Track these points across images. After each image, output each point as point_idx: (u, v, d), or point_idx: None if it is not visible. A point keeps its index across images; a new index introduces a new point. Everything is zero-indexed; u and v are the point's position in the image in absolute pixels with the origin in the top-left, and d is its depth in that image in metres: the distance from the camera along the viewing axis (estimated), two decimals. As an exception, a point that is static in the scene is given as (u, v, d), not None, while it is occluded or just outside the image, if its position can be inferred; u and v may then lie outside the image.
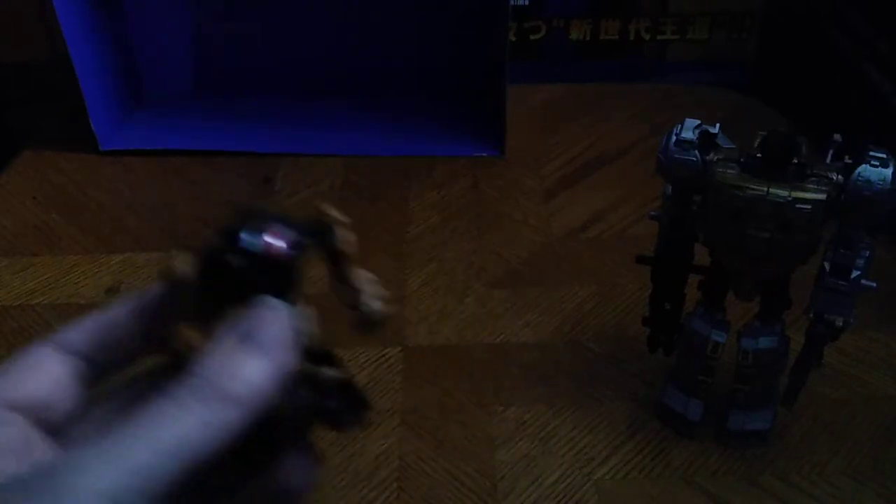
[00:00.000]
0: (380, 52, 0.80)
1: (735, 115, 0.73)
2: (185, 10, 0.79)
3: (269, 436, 0.26)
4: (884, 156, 0.38)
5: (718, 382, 0.46)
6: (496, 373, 0.52)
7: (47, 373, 0.27)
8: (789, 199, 0.38)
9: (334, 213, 0.28)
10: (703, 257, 0.44)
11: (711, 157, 0.40)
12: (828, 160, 0.40)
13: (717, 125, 0.41)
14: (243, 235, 0.26)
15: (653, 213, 0.45)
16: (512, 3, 0.78)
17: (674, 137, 0.41)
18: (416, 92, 0.80)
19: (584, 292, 0.58)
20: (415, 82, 0.81)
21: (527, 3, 0.79)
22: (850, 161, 0.39)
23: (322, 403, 0.27)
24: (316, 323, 0.28)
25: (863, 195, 0.38)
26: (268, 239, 0.26)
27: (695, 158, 0.40)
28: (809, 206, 0.38)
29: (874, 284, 0.40)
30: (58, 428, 0.27)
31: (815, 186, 0.38)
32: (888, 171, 0.37)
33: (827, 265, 0.40)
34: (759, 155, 0.38)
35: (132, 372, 0.29)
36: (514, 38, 0.80)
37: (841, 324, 0.41)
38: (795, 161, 0.38)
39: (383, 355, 0.53)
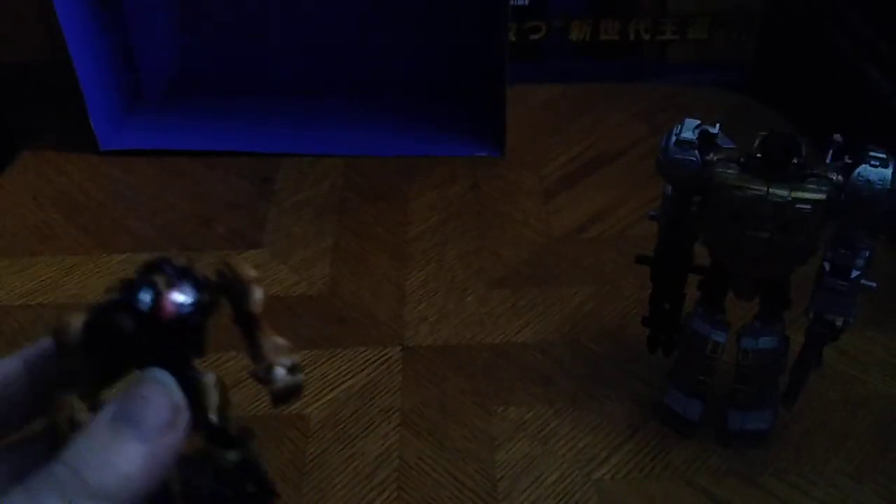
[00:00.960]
0: (380, 51, 0.80)
1: (735, 115, 0.73)
2: (185, 11, 0.79)
3: None
4: (884, 156, 0.38)
5: (718, 382, 0.46)
6: (496, 373, 0.52)
7: None
8: (789, 199, 0.38)
9: (246, 270, 0.25)
10: (704, 257, 0.44)
11: (711, 157, 0.40)
12: (828, 160, 0.40)
13: (717, 125, 0.41)
14: (140, 293, 0.23)
15: (652, 213, 0.45)
16: (512, 3, 0.78)
17: (674, 137, 0.41)
18: (416, 92, 0.80)
19: (584, 292, 0.58)
20: (415, 82, 0.81)
21: (527, 3, 0.79)
22: (850, 161, 0.39)
23: (222, 491, 0.25)
24: (221, 393, 0.25)
25: (863, 195, 0.38)
26: (164, 298, 0.23)
27: (694, 158, 0.40)
28: (809, 207, 0.38)
29: (874, 284, 0.40)
30: None
31: (815, 186, 0.38)
32: (888, 171, 0.37)
33: (827, 265, 0.40)
34: (759, 155, 0.38)
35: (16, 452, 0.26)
36: (514, 38, 0.80)
37: (841, 324, 0.41)
38: (795, 161, 0.38)
39: (383, 355, 0.53)
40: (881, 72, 0.67)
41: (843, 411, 0.49)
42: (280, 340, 0.25)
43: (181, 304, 0.23)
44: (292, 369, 0.25)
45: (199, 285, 0.24)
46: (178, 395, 0.23)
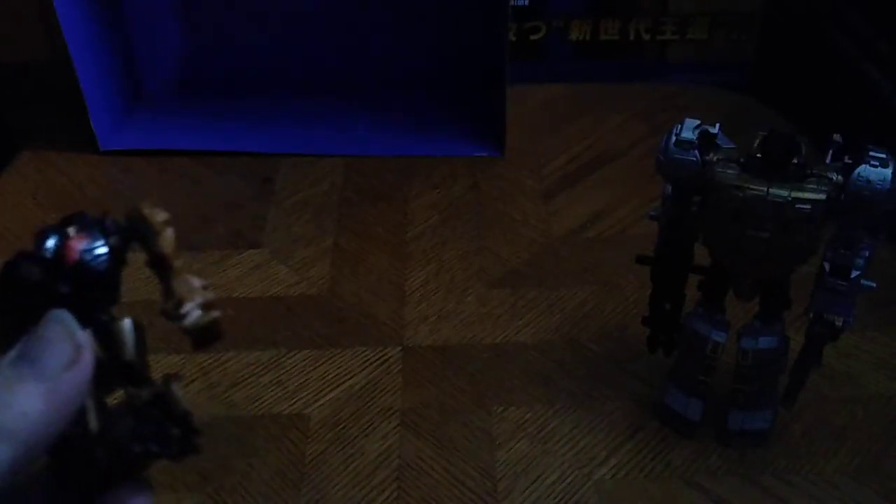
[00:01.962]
0: (380, 51, 0.80)
1: (735, 115, 0.73)
2: (185, 11, 0.79)
3: (86, 463, 0.24)
4: (884, 156, 0.38)
5: (718, 382, 0.46)
6: (496, 373, 0.52)
7: None
8: (789, 199, 0.38)
9: (153, 213, 0.25)
10: (704, 257, 0.44)
11: (711, 157, 0.40)
12: (828, 160, 0.40)
13: (717, 125, 0.41)
14: (47, 240, 0.23)
15: (652, 212, 0.45)
16: (512, 3, 0.78)
17: (674, 137, 0.41)
18: (416, 92, 0.80)
19: (584, 292, 0.58)
20: (415, 82, 0.81)
21: (527, 3, 0.79)
22: (850, 161, 0.39)
23: (140, 430, 0.24)
24: (138, 337, 0.25)
25: (863, 195, 0.38)
26: (68, 243, 0.23)
27: (694, 158, 0.40)
28: (809, 206, 0.38)
29: (874, 284, 0.40)
30: None
31: (815, 186, 0.38)
32: (888, 171, 0.37)
33: (827, 265, 0.40)
34: (758, 155, 0.38)
35: None
36: (514, 38, 0.80)
37: (840, 324, 0.41)
38: (795, 161, 0.38)
39: (383, 355, 0.53)
40: (881, 72, 0.67)
41: (844, 411, 0.49)
42: (195, 280, 0.25)
43: (84, 250, 0.23)
44: (206, 306, 0.24)
45: (106, 231, 0.24)
46: (79, 333, 0.23)
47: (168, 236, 0.25)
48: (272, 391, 0.51)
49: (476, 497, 0.45)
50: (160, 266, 0.25)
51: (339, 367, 0.53)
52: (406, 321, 0.56)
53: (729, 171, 0.39)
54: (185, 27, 0.80)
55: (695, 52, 0.81)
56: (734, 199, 0.39)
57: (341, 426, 0.49)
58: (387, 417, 0.49)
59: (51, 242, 0.23)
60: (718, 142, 0.41)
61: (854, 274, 0.40)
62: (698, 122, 0.41)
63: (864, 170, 0.38)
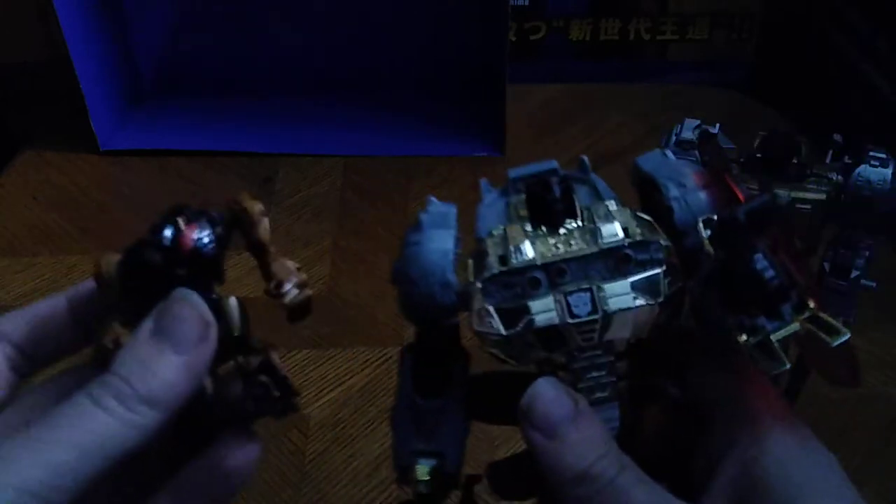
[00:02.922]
0: (380, 52, 0.80)
1: (735, 115, 0.73)
2: (185, 10, 0.79)
3: (201, 421, 0.26)
4: (884, 156, 0.38)
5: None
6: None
7: None
8: (789, 199, 0.38)
9: (251, 203, 0.28)
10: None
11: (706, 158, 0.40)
12: (828, 160, 0.40)
13: (717, 125, 0.41)
14: (162, 231, 0.26)
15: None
16: (512, 3, 0.78)
17: (674, 137, 0.41)
18: (416, 92, 0.80)
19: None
20: (415, 82, 0.81)
21: (527, 3, 0.79)
22: (849, 161, 0.39)
23: (249, 393, 0.27)
24: (242, 313, 0.27)
25: (863, 195, 0.38)
26: (184, 233, 0.26)
27: (694, 159, 0.40)
28: (809, 207, 0.38)
29: (874, 284, 0.40)
30: None
31: (815, 186, 0.38)
32: (888, 171, 0.37)
33: (827, 265, 0.40)
34: (758, 155, 0.38)
35: (61, 367, 0.29)
36: (514, 38, 0.80)
37: (841, 324, 0.41)
38: (795, 161, 0.38)
39: (383, 355, 0.53)
40: (881, 72, 0.67)
41: (843, 411, 0.49)
42: (289, 263, 0.28)
43: (198, 238, 0.26)
44: (301, 286, 0.27)
45: (213, 221, 0.27)
46: (206, 311, 0.25)
47: (265, 225, 0.28)
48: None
49: (476, 497, 0.45)
50: (258, 251, 0.28)
51: (339, 367, 0.53)
52: (406, 321, 0.56)
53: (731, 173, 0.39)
54: (185, 27, 0.80)
55: (695, 52, 0.81)
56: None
57: (341, 426, 0.49)
58: (387, 417, 0.49)
59: (168, 233, 0.26)
60: (718, 142, 0.41)
61: (854, 274, 0.40)
62: (698, 122, 0.41)
63: (864, 170, 0.38)
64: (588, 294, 0.25)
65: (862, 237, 0.40)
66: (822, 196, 0.38)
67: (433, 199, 0.30)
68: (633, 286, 0.26)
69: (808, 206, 0.38)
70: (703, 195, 0.27)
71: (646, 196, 0.29)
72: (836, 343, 0.25)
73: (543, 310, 0.26)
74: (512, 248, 0.26)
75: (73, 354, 0.29)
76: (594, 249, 0.26)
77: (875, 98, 0.67)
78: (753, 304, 0.25)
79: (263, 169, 0.71)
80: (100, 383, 0.24)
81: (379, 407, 0.50)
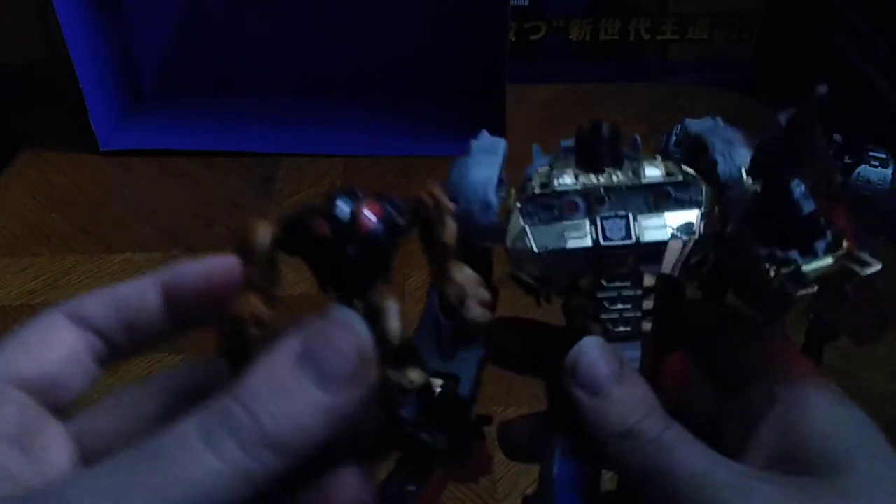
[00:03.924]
0: (380, 51, 0.80)
1: (735, 115, 0.72)
2: (185, 10, 0.79)
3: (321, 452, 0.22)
4: (884, 156, 0.38)
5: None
6: (496, 373, 0.52)
7: (59, 345, 0.23)
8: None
9: (445, 199, 0.24)
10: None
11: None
12: (827, 160, 0.40)
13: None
14: (339, 201, 0.23)
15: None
16: (512, 3, 0.78)
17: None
18: (416, 92, 0.80)
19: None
20: (415, 82, 0.81)
21: (527, 3, 0.79)
22: (849, 161, 0.39)
23: (395, 415, 0.23)
24: (401, 318, 0.24)
25: (862, 195, 0.38)
26: (364, 209, 0.23)
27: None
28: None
29: (874, 284, 0.40)
30: (65, 409, 0.23)
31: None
32: (888, 171, 0.37)
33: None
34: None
35: (170, 372, 0.25)
36: (514, 38, 0.80)
37: (841, 324, 0.41)
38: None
39: (383, 355, 0.53)
40: (880, 71, 0.67)
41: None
42: (470, 271, 0.25)
43: (378, 220, 0.23)
44: (483, 304, 0.24)
45: (397, 209, 0.24)
46: (368, 343, 0.21)
47: (451, 226, 0.24)
48: (272, 391, 0.51)
49: (476, 497, 0.45)
50: (440, 255, 0.24)
51: (339, 367, 0.53)
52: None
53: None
54: (185, 27, 0.80)
55: (695, 52, 0.81)
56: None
57: (341, 426, 0.49)
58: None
59: (346, 207, 0.23)
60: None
61: (854, 274, 0.40)
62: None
63: (863, 170, 0.37)
64: (624, 221, 0.26)
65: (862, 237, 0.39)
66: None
67: (485, 131, 0.31)
68: (670, 221, 0.26)
69: (809, 206, 0.38)
70: (746, 151, 0.28)
71: (691, 157, 0.30)
72: (867, 272, 0.25)
73: (577, 232, 0.26)
74: (555, 173, 0.27)
75: (162, 345, 0.25)
76: (636, 183, 0.27)
77: (875, 98, 0.67)
78: (787, 237, 0.25)
79: (263, 169, 0.71)
80: (218, 412, 0.19)
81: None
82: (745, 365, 0.27)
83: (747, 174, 0.27)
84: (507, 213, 0.27)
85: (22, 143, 0.75)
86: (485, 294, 0.25)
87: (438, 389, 0.26)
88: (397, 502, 0.25)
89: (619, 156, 0.27)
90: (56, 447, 0.22)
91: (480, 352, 0.29)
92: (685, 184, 0.26)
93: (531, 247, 0.26)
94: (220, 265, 0.25)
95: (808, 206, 0.25)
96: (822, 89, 0.28)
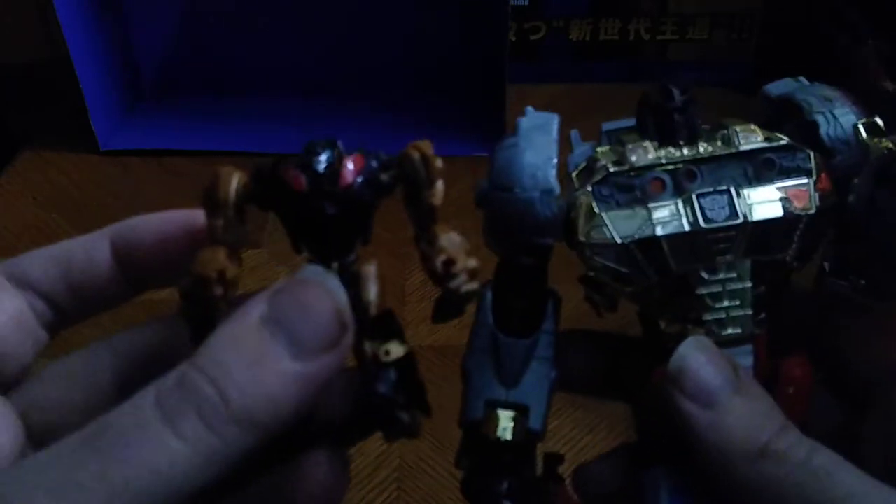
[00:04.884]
0: (380, 51, 0.80)
1: (735, 115, 0.73)
2: (185, 10, 0.79)
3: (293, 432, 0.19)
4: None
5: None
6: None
7: (0, 311, 0.21)
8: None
9: (435, 158, 0.21)
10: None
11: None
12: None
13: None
14: (318, 151, 0.20)
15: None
16: (512, 3, 0.78)
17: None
18: (416, 92, 0.80)
19: (583, 292, 0.57)
20: (415, 82, 0.81)
21: (527, 3, 0.79)
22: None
23: (372, 391, 0.21)
24: (379, 284, 0.21)
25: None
26: (345, 162, 0.21)
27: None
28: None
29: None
30: (8, 381, 0.21)
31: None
32: (888, 172, 0.37)
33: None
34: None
35: (123, 334, 0.23)
36: (514, 38, 0.80)
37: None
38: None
39: (383, 355, 0.53)
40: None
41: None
42: (457, 236, 0.22)
43: (361, 175, 0.21)
44: (471, 273, 0.22)
45: (382, 164, 0.21)
46: (346, 307, 0.19)
47: (440, 187, 0.22)
48: (272, 391, 0.51)
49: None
50: (425, 216, 0.22)
51: (339, 367, 0.53)
52: (406, 321, 0.56)
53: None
54: (186, 27, 0.80)
55: (695, 52, 0.81)
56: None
57: (341, 426, 0.49)
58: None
59: (325, 157, 0.20)
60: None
61: (854, 274, 0.39)
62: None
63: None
64: (726, 196, 0.21)
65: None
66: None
67: (531, 108, 0.26)
68: (780, 194, 0.21)
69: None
70: (851, 110, 0.23)
71: (775, 125, 0.25)
72: None
73: (668, 216, 0.21)
74: (629, 149, 0.22)
75: (117, 308, 0.23)
76: (730, 151, 0.22)
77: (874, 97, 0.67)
78: None
79: (263, 169, 0.71)
80: (178, 387, 0.17)
81: (379, 407, 0.50)
82: (883, 368, 0.22)
83: (866, 132, 0.22)
84: (568, 201, 0.22)
85: (22, 143, 0.75)
86: (473, 263, 0.22)
87: (510, 424, 0.23)
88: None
89: (695, 127, 0.23)
90: None
91: (550, 374, 0.24)
92: (790, 147, 0.22)
93: (612, 237, 0.22)
94: (178, 219, 0.23)
95: None
96: None
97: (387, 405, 0.21)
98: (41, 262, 0.22)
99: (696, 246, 0.21)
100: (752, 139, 0.22)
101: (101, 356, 0.22)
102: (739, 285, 0.21)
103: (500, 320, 0.25)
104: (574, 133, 0.26)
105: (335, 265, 0.21)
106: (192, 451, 0.16)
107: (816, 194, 0.22)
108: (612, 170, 0.22)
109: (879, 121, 0.22)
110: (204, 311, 0.19)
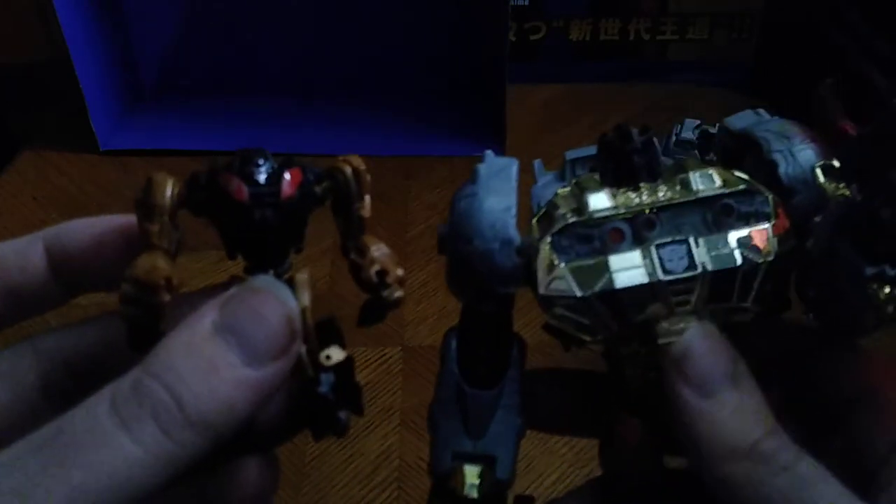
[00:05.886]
0: (380, 51, 0.80)
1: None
2: (185, 10, 0.79)
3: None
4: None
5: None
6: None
7: None
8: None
9: (364, 172, 0.23)
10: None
11: (711, 157, 0.40)
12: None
13: (717, 125, 0.41)
14: (257, 159, 0.21)
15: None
16: (512, 3, 0.78)
17: (674, 137, 0.41)
18: (416, 92, 0.80)
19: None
20: (415, 82, 0.81)
21: (527, 3, 0.79)
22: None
23: (313, 392, 0.21)
24: (311, 291, 0.22)
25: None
26: (284, 174, 0.21)
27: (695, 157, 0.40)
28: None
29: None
30: None
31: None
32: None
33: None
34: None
35: (46, 334, 0.23)
36: (514, 38, 0.80)
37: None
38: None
39: (383, 355, 0.53)
40: (881, 72, 0.67)
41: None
42: (385, 247, 0.23)
43: (301, 187, 0.22)
44: (400, 282, 0.23)
45: (316, 177, 0.23)
46: (296, 315, 0.20)
47: (369, 201, 0.23)
48: (272, 391, 0.51)
49: None
50: (355, 227, 0.23)
51: (339, 367, 0.53)
52: (406, 321, 0.56)
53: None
54: (186, 27, 0.80)
55: (695, 52, 0.81)
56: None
57: (341, 426, 0.49)
58: (387, 417, 0.49)
59: (265, 168, 0.21)
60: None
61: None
62: (698, 122, 0.41)
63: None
64: (684, 246, 0.21)
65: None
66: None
67: (490, 152, 0.27)
68: (738, 242, 0.21)
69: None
70: (810, 147, 0.23)
71: (733, 159, 0.26)
72: None
73: (628, 265, 0.21)
74: (588, 197, 0.22)
75: (51, 312, 0.23)
76: (689, 198, 0.22)
77: (875, 98, 0.67)
78: None
79: (263, 169, 0.71)
80: (134, 392, 0.17)
81: (379, 407, 0.50)
82: (850, 393, 0.23)
83: (824, 175, 0.22)
84: (530, 243, 0.23)
85: (22, 143, 0.75)
86: (401, 272, 0.23)
87: (477, 482, 0.24)
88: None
89: (655, 166, 0.23)
90: None
91: (517, 421, 0.25)
92: (749, 192, 0.22)
93: (573, 290, 0.22)
94: (113, 223, 0.23)
95: None
96: None
97: (327, 406, 0.22)
98: None
99: (656, 296, 0.21)
100: (710, 184, 0.22)
101: (24, 357, 0.22)
102: None
103: (466, 369, 0.25)
104: (537, 163, 0.26)
105: (270, 273, 0.22)
106: (149, 456, 0.17)
107: (775, 239, 0.22)
108: (570, 220, 0.22)
109: (836, 163, 0.22)
110: (148, 316, 0.20)
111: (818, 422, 0.23)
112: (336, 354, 0.22)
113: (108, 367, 0.19)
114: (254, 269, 0.22)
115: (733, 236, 0.21)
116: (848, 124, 0.27)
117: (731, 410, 0.20)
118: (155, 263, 0.20)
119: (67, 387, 0.22)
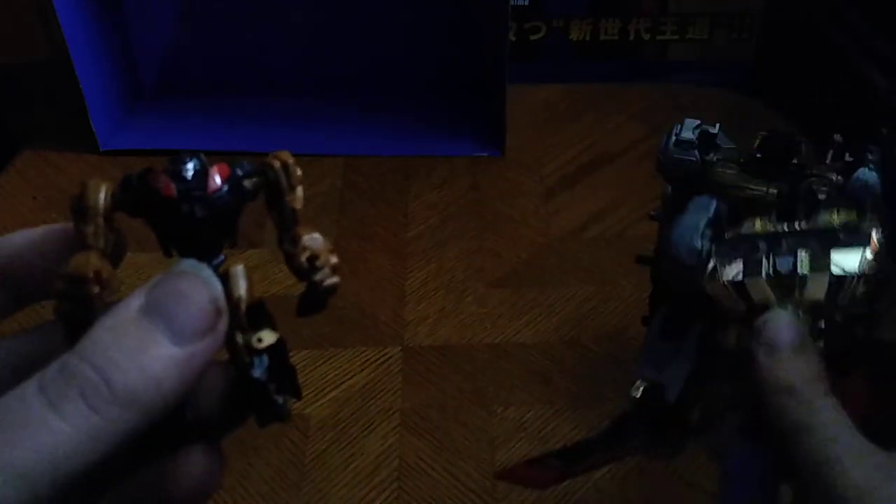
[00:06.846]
0: (379, 52, 0.80)
1: (735, 115, 0.73)
2: (185, 10, 0.79)
3: (166, 420, 0.20)
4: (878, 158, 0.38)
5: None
6: (496, 373, 0.52)
7: None
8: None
9: (294, 165, 0.25)
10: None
11: (711, 157, 0.40)
12: (828, 160, 0.40)
13: (717, 125, 0.41)
14: (186, 159, 0.22)
15: (653, 212, 0.45)
16: (512, 3, 0.78)
17: (673, 137, 0.41)
18: (416, 92, 0.80)
19: (583, 292, 0.58)
20: (415, 82, 0.81)
21: (527, 3, 0.79)
22: (850, 160, 0.38)
23: (247, 376, 0.22)
24: (248, 281, 0.23)
25: (861, 196, 0.37)
26: (211, 170, 0.23)
27: (694, 158, 0.40)
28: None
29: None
30: None
31: (815, 187, 0.38)
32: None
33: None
34: (758, 155, 0.38)
35: (21, 345, 0.24)
36: (514, 38, 0.80)
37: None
38: (795, 161, 0.38)
39: (383, 355, 0.53)
40: (881, 72, 0.67)
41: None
42: (319, 236, 0.24)
43: (229, 180, 0.23)
44: (334, 269, 0.24)
45: (247, 172, 0.24)
46: (220, 294, 0.20)
47: (300, 192, 0.24)
48: (272, 391, 0.51)
49: (476, 497, 0.45)
50: (288, 219, 0.24)
51: (339, 367, 0.53)
52: (406, 321, 0.56)
53: (729, 172, 0.39)
54: (186, 27, 0.80)
55: (695, 52, 0.81)
56: (733, 199, 0.38)
57: (341, 426, 0.49)
58: (387, 417, 0.49)
59: (191, 165, 0.22)
60: (718, 142, 0.41)
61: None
62: (698, 122, 0.41)
63: (862, 172, 0.37)
64: (792, 258, 0.30)
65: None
66: (822, 196, 0.38)
67: (697, 197, 0.36)
68: (834, 257, 0.30)
69: (809, 207, 0.38)
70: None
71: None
72: None
73: (755, 268, 0.31)
74: (745, 224, 0.33)
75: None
76: (812, 228, 0.32)
77: (875, 98, 0.67)
78: None
79: (263, 169, 0.71)
80: (60, 373, 0.18)
81: (379, 407, 0.50)
82: None
83: None
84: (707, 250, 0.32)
85: (22, 143, 0.75)
86: (335, 259, 0.24)
87: (637, 393, 0.33)
88: None
89: (811, 210, 0.32)
90: None
91: (687, 366, 0.33)
92: (856, 226, 0.31)
93: (720, 280, 0.31)
94: (51, 232, 0.23)
95: None
96: None
97: (262, 389, 0.22)
98: None
99: (772, 286, 0.30)
100: (828, 219, 0.32)
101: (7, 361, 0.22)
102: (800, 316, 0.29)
103: (664, 332, 0.35)
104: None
105: (204, 265, 0.22)
106: (77, 432, 0.17)
107: (867, 259, 0.29)
108: (728, 236, 0.32)
109: None
110: (80, 311, 0.20)
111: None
112: (268, 337, 0.23)
113: None
114: None
115: (833, 255, 0.30)
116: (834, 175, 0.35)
117: (787, 364, 0.26)
118: (87, 259, 0.21)
119: None
